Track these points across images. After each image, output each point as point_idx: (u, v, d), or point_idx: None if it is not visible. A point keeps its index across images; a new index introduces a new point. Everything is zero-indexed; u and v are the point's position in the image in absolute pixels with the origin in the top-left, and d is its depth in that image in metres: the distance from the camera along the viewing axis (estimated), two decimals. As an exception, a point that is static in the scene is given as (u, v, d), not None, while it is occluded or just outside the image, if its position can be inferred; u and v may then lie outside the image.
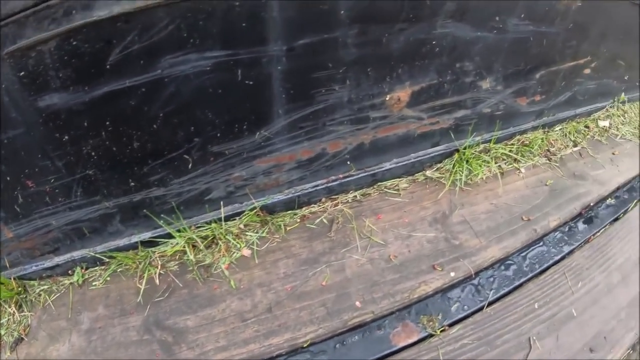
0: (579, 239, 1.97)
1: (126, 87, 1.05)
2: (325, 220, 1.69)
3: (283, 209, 1.64)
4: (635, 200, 2.33)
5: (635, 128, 2.91)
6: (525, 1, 1.71)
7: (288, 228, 1.63)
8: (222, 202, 1.47)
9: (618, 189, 2.37)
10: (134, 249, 1.48)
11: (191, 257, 1.41)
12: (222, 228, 1.46)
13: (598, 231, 2.05)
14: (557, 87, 2.32)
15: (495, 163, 2.16)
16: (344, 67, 1.37)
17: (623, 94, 3.00)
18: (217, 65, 1.14)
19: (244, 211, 1.53)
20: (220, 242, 1.47)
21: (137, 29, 0.97)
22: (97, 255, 1.44)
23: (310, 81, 1.32)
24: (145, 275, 1.42)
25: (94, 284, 1.49)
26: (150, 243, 1.48)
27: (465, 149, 2.10)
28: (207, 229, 1.48)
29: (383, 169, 1.84)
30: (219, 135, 1.28)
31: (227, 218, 1.52)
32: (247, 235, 1.54)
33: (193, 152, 1.31)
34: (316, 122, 1.45)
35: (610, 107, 2.93)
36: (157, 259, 1.45)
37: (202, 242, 1.44)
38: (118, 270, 1.48)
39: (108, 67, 1.00)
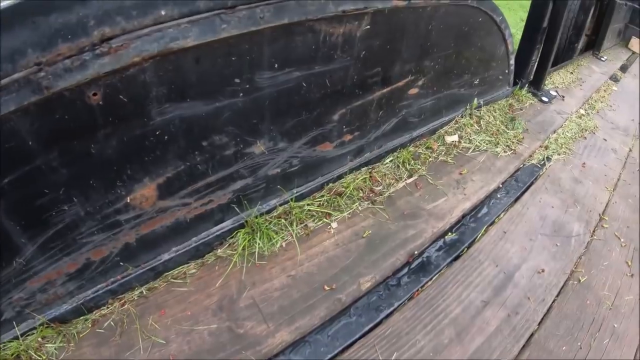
0: (400, 297, 1.84)
1: None
2: (112, 323, 1.62)
3: (74, 316, 1.59)
4: (485, 227, 2.18)
5: (491, 135, 2.80)
6: (274, 50, 1.53)
7: (81, 335, 1.57)
8: (14, 322, 1.47)
9: (463, 217, 2.23)
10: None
11: (0, 375, 1.39)
12: (22, 345, 1.48)
13: (429, 280, 1.94)
14: (374, 119, 2.16)
15: (300, 224, 1.94)
16: (62, 187, 1.30)
17: (475, 99, 2.86)
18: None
19: (37, 326, 1.52)
20: (23, 358, 1.48)
21: None
22: None
23: (36, 209, 1.29)
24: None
25: None
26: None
27: (257, 217, 1.91)
28: (10, 347, 1.48)
29: (162, 260, 1.72)
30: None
31: (25, 334, 1.52)
32: (46, 347, 1.51)
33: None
34: (64, 239, 1.41)
35: (461, 116, 2.78)
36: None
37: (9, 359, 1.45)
38: None
39: None
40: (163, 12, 1.19)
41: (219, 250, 1.87)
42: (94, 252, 1.53)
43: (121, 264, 1.64)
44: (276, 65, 1.58)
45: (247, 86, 1.54)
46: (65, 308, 1.57)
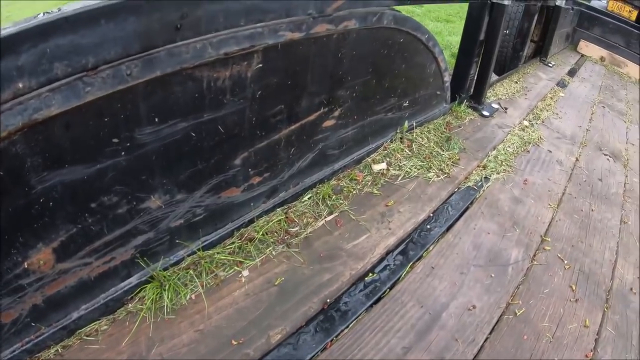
0: (313, 348, 1.77)
1: None
2: None
3: None
4: (411, 263, 2.10)
5: (424, 159, 2.74)
6: (151, 104, 1.50)
7: None
8: None
9: (387, 254, 2.15)
10: None
11: None
12: None
13: (345, 328, 1.88)
14: (285, 157, 2.10)
15: (210, 274, 1.89)
16: None
17: (407, 122, 2.80)
18: None
19: None
20: None
21: None
22: None
23: None
24: None
25: None
26: None
27: (164, 270, 1.87)
28: None
29: (72, 319, 1.71)
30: None
31: None
32: None
33: None
34: None
35: (391, 141, 2.71)
36: None
37: None
38: None
39: None
40: (20, 85, 1.18)
41: (130, 305, 1.83)
42: (4, 315, 1.51)
43: (33, 324, 1.62)
44: (157, 120, 1.55)
45: (128, 144, 1.52)
46: None
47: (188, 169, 1.77)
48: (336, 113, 2.35)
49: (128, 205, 1.66)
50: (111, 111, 1.42)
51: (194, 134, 1.70)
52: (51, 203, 1.43)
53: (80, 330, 1.75)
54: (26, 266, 1.49)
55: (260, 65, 1.79)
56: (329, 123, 2.33)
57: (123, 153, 1.53)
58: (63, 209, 1.48)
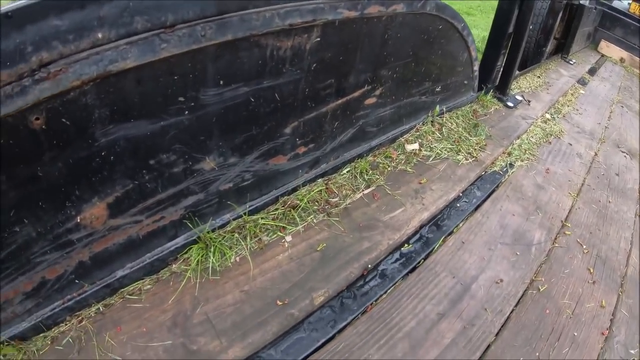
0: (354, 311, 1.85)
1: None
2: (70, 340, 1.62)
3: (33, 334, 1.60)
4: (443, 237, 2.19)
5: (453, 142, 2.81)
6: (219, 67, 1.52)
7: (40, 352, 1.58)
8: None
9: (421, 228, 2.23)
10: None
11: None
12: None
13: (383, 293, 1.95)
14: (329, 130, 2.16)
15: (254, 238, 1.94)
16: (12, 210, 1.31)
17: (438, 106, 2.87)
18: None
19: None
20: None
21: None
22: None
23: None
24: None
25: None
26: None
27: (210, 232, 1.91)
28: None
29: (117, 277, 1.73)
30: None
31: None
32: None
33: None
34: (18, 259, 1.42)
35: (423, 124, 2.78)
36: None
37: None
38: None
39: None
40: (100, 35, 1.20)
41: (174, 266, 1.86)
42: (48, 270, 1.53)
43: (76, 281, 1.64)
44: (222, 82, 1.58)
45: (192, 104, 1.55)
46: (24, 326, 1.57)
47: (243, 133, 1.82)
48: (377, 92, 2.42)
49: (184, 165, 1.70)
50: (181, 70, 1.45)
51: (252, 100, 1.74)
52: (112, 157, 1.45)
53: (123, 289, 1.79)
54: (79, 220, 1.51)
55: (318, 39, 1.83)
56: (370, 101, 2.40)
57: (186, 112, 1.56)
58: (123, 164, 1.50)
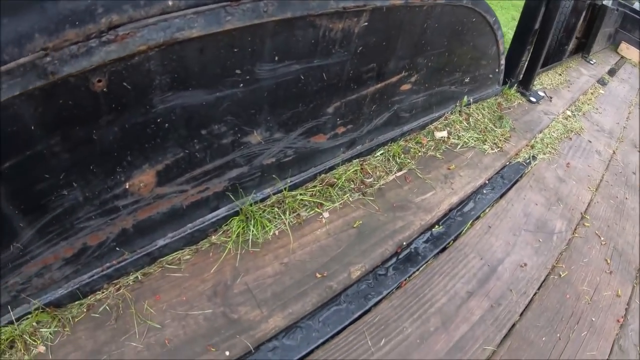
0: (389, 286, 1.92)
1: None
2: (108, 308, 1.62)
3: (69, 301, 1.60)
4: (471, 221, 2.25)
5: (480, 132, 2.87)
6: (276, 43, 1.56)
7: (76, 319, 1.58)
8: (9, 307, 1.46)
9: (450, 211, 2.30)
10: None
11: (-5, 361, 1.40)
12: (16, 329, 1.48)
13: (416, 270, 2.02)
14: (367, 113, 2.22)
15: (293, 213, 2.00)
16: (63, 173, 1.30)
17: (466, 97, 2.92)
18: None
19: (32, 311, 1.52)
20: (18, 342, 1.48)
21: None
22: None
23: (36, 193, 1.29)
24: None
25: None
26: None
27: (251, 205, 1.95)
28: (5, 332, 1.48)
29: (158, 246, 1.74)
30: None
31: (21, 318, 1.52)
32: (41, 331, 1.51)
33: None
34: (62, 224, 1.41)
35: (451, 113, 2.84)
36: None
37: (4, 344, 1.45)
38: None
39: None
40: (170, 3, 1.22)
41: (213, 237, 1.90)
42: (91, 236, 1.53)
43: (117, 249, 1.65)
44: (277, 58, 1.62)
45: (248, 77, 1.58)
46: (60, 292, 1.57)
47: (290, 110, 1.86)
48: (413, 79, 2.46)
49: (233, 137, 1.73)
50: (241, 43, 1.47)
51: (302, 77, 1.78)
52: (167, 125, 1.47)
53: (162, 259, 1.79)
54: (127, 187, 1.52)
55: (366, 23, 1.86)
56: (406, 87, 2.44)
57: (241, 85, 1.58)
58: (176, 132, 1.52)
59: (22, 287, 1.48)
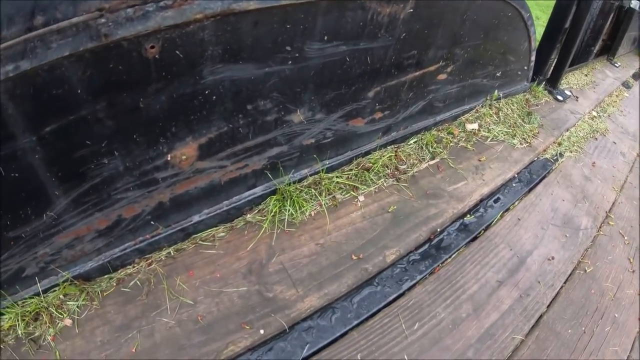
0: (422, 271, 1.92)
1: None
2: (138, 282, 1.60)
3: (98, 274, 1.56)
4: (501, 212, 2.25)
5: (509, 127, 2.86)
6: (326, 22, 1.53)
7: (105, 293, 1.55)
8: (37, 278, 1.43)
9: (481, 201, 2.30)
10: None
11: (19, 331, 1.39)
12: (42, 301, 1.45)
13: (448, 257, 2.02)
14: (404, 100, 2.21)
15: (328, 195, 2.00)
16: (105, 140, 1.27)
17: (496, 91, 2.91)
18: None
19: (60, 283, 1.49)
20: (43, 315, 1.45)
21: None
22: None
23: (75, 161, 1.25)
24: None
25: None
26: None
27: (289, 185, 1.94)
28: (30, 304, 1.45)
29: (192, 222, 1.71)
30: (8, 222, 1.25)
31: (47, 290, 1.49)
32: (68, 304, 1.48)
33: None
34: (99, 194, 1.38)
35: (482, 106, 2.83)
36: (-5, 333, 1.41)
37: (29, 316, 1.43)
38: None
39: None
40: None
41: (249, 216, 1.88)
42: (126, 209, 1.50)
43: (152, 223, 1.61)
44: (326, 38, 1.60)
45: (297, 55, 1.56)
46: (90, 265, 1.54)
47: (334, 91, 1.84)
48: (449, 69, 2.45)
49: (277, 115, 1.70)
50: (294, 20, 1.45)
51: (348, 59, 1.76)
52: (214, 97, 1.43)
53: (196, 235, 1.75)
54: (168, 159, 1.48)
55: (411, 10, 1.84)
56: (442, 77, 2.43)
57: (290, 62, 1.56)
58: (222, 105, 1.48)
59: (52, 259, 1.44)
